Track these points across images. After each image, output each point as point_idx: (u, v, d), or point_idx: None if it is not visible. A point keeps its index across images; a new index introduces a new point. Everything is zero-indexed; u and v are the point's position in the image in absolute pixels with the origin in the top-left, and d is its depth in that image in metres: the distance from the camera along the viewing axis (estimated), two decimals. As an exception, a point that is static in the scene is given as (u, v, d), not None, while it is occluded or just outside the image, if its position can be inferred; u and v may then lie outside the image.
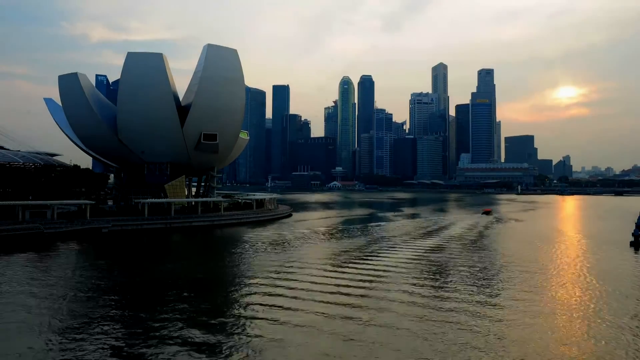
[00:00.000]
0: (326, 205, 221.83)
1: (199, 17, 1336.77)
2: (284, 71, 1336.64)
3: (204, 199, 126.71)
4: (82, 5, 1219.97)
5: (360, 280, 52.28)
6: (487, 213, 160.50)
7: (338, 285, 49.74)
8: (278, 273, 56.69)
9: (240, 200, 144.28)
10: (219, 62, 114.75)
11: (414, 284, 50.97)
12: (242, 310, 41.16)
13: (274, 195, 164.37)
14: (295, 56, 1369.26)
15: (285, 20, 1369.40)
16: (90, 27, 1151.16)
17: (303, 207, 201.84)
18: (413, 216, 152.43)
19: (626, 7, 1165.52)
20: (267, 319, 37.94)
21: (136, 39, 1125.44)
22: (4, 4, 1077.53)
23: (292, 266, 61.51)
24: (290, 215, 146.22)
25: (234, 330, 35.67)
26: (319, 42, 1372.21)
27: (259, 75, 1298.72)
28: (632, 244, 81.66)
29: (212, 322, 37.60)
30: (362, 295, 45.54)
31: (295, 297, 44.98)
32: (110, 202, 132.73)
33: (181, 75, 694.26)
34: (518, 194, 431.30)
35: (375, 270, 58.57)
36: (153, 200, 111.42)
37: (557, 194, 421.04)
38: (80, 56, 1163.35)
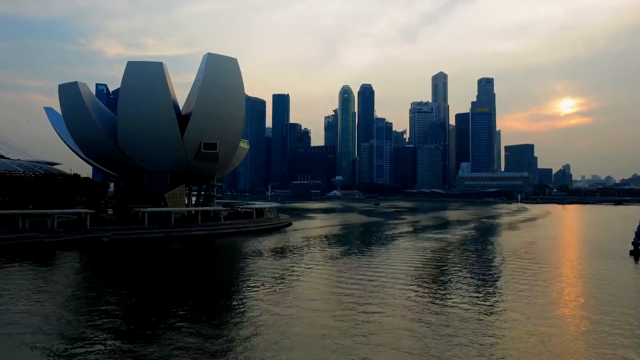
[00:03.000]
0: (326, 214, 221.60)
1: (215, 33, 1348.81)
2: (284, 80, 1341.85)
3: (204, 208, 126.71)
4: (102, 24, 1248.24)
5: (366, 290, 52.25)
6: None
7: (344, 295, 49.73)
8: (281, 284, 56.68)
9: (240, 209, 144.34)
10: (219, 71, 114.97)
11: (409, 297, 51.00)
12: (245, 324, 41.14)
13: (274, 205, 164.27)
14: (298, 67, 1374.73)
15: (293, 32, 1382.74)
16: (107, 43, 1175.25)
17: (303, 216, 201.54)
18: (414, 224, 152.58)
19: (626, 19, 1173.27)
20: (273, 333, 37.92)
21: (152, 54, 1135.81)
22: (26, 21, 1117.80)
23: (294, 277, 61.54)
24: (290, 224, 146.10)
25: (240, 345, 35.65)
26: (325, 54, 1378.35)
27: (262, 84, 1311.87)
28: (632, 252, 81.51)
29: (217, 334, 37.57)
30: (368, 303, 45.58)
31: (299, 310, 44.96)
32: (110, 211, 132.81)
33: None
34: (518, 202, 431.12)
35: (374, 276, 58.60)
36: (153, 209, 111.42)
37: (557, 203, 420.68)
38: (94, 71, 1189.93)
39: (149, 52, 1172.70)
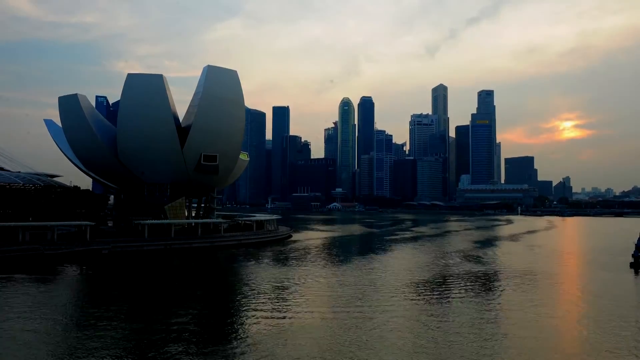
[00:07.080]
0: (326, 226, 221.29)
1: (236, 55, 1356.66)
2: (284, 90, 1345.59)
3: (204, 220, 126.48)
4: (127, 48, 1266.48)
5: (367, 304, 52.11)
6: None
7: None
8: (282, 298, 56.54)
9: (240, 222, 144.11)
10: (219, 83, 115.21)
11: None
12: (244, 344, 41.01)
13: (275, 217, 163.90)
14: (307, 83, 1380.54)
15: (307, 54, 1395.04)
16: (127, 65, 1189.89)
17: (303, 227, 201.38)
18: (416, 239, 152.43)
19: (623, 36, 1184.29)
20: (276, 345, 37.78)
21: (174, 75, 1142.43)
22: (61, 44, 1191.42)
23: (296, 289, 61.42)
24: (290, 236, 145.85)
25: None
26: (331, 73, 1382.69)
27: (259, 96, 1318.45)
28: (631, 265, 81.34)
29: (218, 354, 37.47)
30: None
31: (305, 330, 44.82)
32: (110, 223, 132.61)
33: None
34: (518, 214, 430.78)
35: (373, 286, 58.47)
36: (153, 221, 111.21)
37: (557, 215, 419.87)
38: (112, 90, 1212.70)
39: (170, 73, 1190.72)
